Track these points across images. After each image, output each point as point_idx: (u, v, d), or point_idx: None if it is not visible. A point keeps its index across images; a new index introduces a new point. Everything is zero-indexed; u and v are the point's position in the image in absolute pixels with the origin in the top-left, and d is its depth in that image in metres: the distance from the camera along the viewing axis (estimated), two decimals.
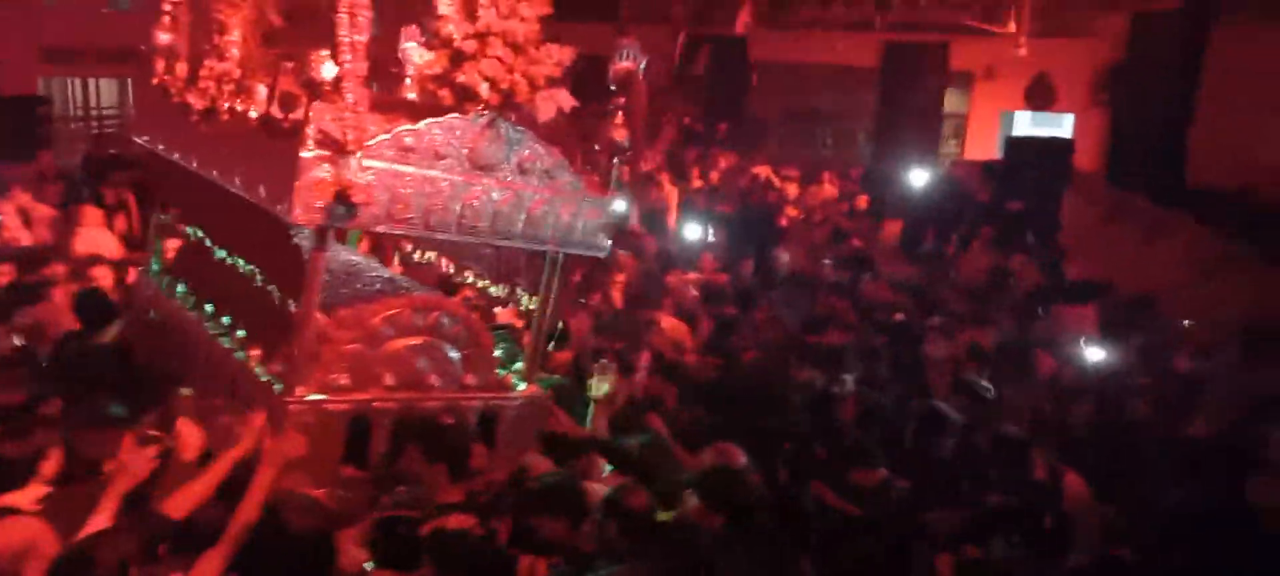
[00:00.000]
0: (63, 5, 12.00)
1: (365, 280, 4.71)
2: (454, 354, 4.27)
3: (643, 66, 4.74)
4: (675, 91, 16.76)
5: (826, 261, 9.45)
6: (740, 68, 17.43)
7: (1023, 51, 14.25)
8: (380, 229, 4.06)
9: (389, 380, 4.09)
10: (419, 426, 3.94)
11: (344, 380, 3.99)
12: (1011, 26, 14.94)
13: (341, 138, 3.63)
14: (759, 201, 11.88)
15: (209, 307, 4.68)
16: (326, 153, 3.63)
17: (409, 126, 3.85)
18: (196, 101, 4.48)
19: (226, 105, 4.28)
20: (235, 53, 4.50)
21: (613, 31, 12.13)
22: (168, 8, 4.97)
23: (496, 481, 3.91)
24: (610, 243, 4.44)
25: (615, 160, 4.42)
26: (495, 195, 4.04)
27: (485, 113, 3.93)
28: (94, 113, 13.54)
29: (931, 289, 8.60)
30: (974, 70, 16.15)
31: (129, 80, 13.46)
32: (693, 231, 9.95)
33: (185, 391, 4.23)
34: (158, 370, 4.66)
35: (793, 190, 13.37)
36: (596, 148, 4.56)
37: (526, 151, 4.09)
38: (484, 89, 3.82)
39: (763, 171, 13.98)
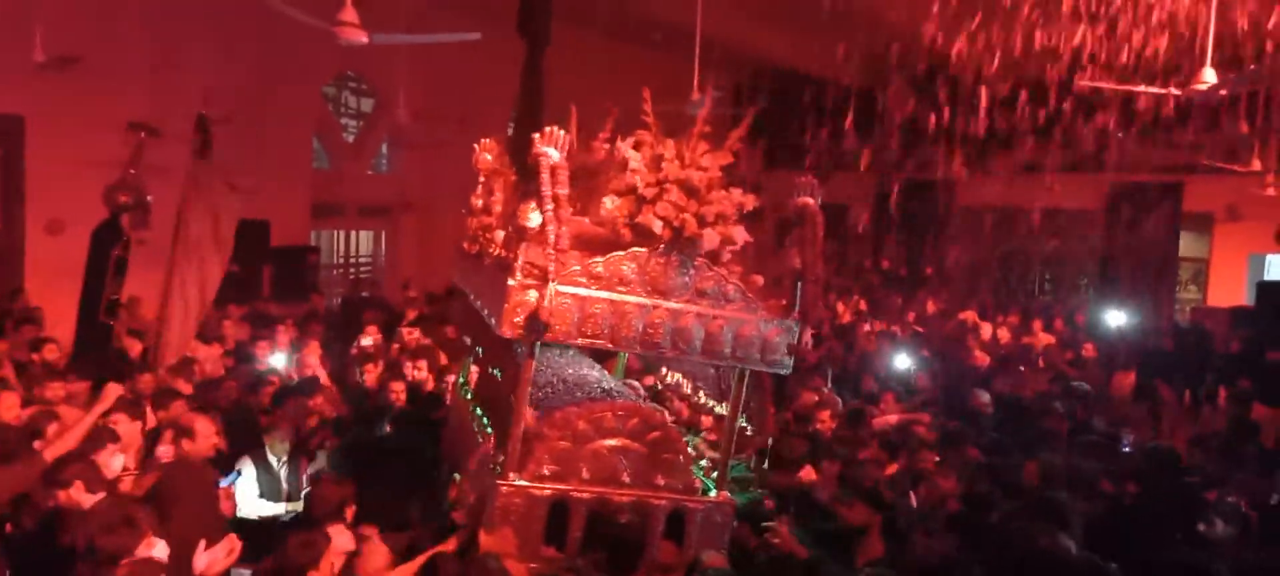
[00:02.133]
0: (332, 169, 13.99)
1: (588, 389, 5.32)
2: (650, 456, 4.73)
3: (817, 201, 4.98)
4: (878, 237, 16.77)
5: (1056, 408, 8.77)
6: (947, 212, 17.17)
7: (1271, 192, 13.13)
8: (575, 343, 4.50)
9: (586, 474, 4.62)
10: (603, 517, 4.32)
11: (548, 470, 4.59)
12: (1255, 164, 13.81)
13: (545, 269, 4.21)
14: (960, 344, 11.44)
15: (478, 410, 5.70)
16: (531, 281, 4.27)
17: (599, 259, 4.39)
18: (469, 247, 6.01)
19: (491, 250, 5.40)
20: (496, 209, 5.69)
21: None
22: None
23: (669, 571, 4.20)
24: (791, 360, 4.64)
25: (797, 285, 4.66)
26: (673, 315, 4.41)
27: (664, 245, 4.38)
28: (352, 260, 15.50)
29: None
30: (1213, 211, 14.98)
31: (382, 232, 15.42)
32: (891, 370, 9.77)
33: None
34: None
35: (1005, 335, 12.77)
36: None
37: (703, 277, 4.46)
38: (657, 227, 4.30)
39: (970, 316, 13.51)
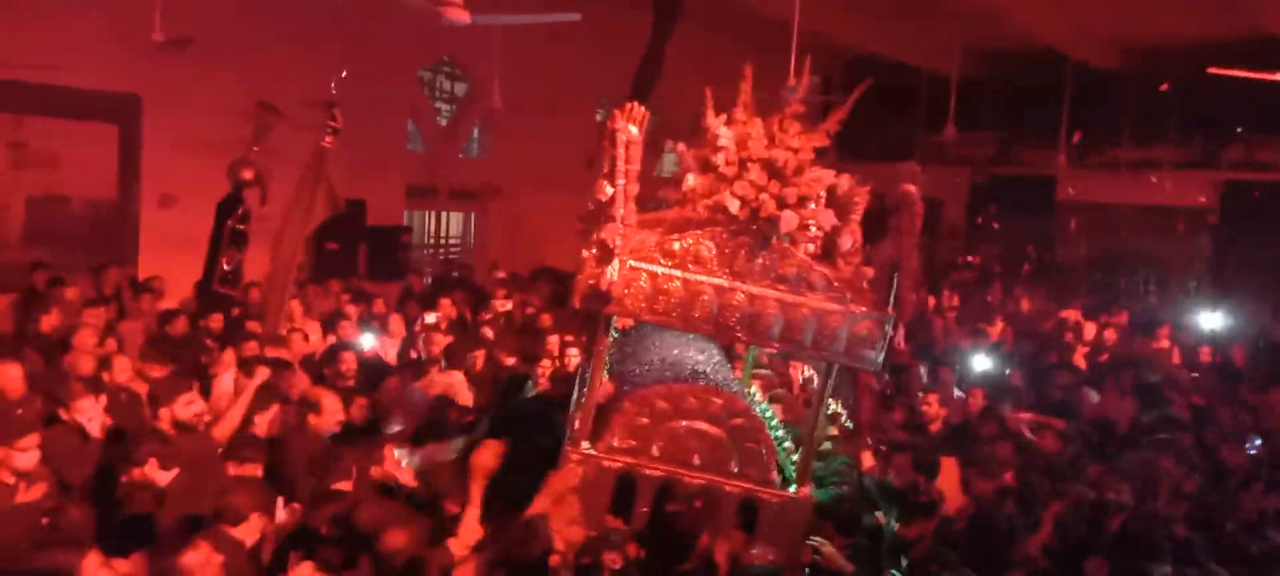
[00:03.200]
0: (426, 151, 14.35)
1: (680, 371, 5.16)
2: (728, 444, 4.66)
3: (917, 188, 4.85)
4: (973, 232, 16.28)
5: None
6: (1046, 208, 16.53)
7: None
8: (645, 320, 4.49)
9: (656, 451, 4.61)
10: (670, 497, 4.28)
11: (619, 444, 4.62)
12: None
13: (611, 244, 4.22)
14: (1060, 344, 10.99)
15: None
16: (602, 255, 4.27)
17: (675, 235, 4.37)
18: None
19: None
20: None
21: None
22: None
23: (717, 560, 4.15)
24: (881, 357, 4.46)
25: (893, 276, 4.54)
26: (751, 299, 4.35)
27: (745, 225, 4.32)
28: (443, 242, 15.88)
29: None
30: None
31: (473, 214, 15.75)
32: (983, 367, 9.43)
33: None
34: None
35: (1110, 336, 12.18)
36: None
37: (784, 262, 4.36)
38: (734, 206, 4.24)
39: (1071, 315, 12.97)
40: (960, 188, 16.43)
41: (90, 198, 10.71)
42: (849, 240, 4.45)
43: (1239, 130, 14.92)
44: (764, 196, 4.30)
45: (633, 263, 4.28)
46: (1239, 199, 14.82)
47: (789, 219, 4.27)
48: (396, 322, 9.37)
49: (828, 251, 4.46)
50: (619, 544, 4.09)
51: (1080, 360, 10.38)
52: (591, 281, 4.35)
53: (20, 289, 8.59)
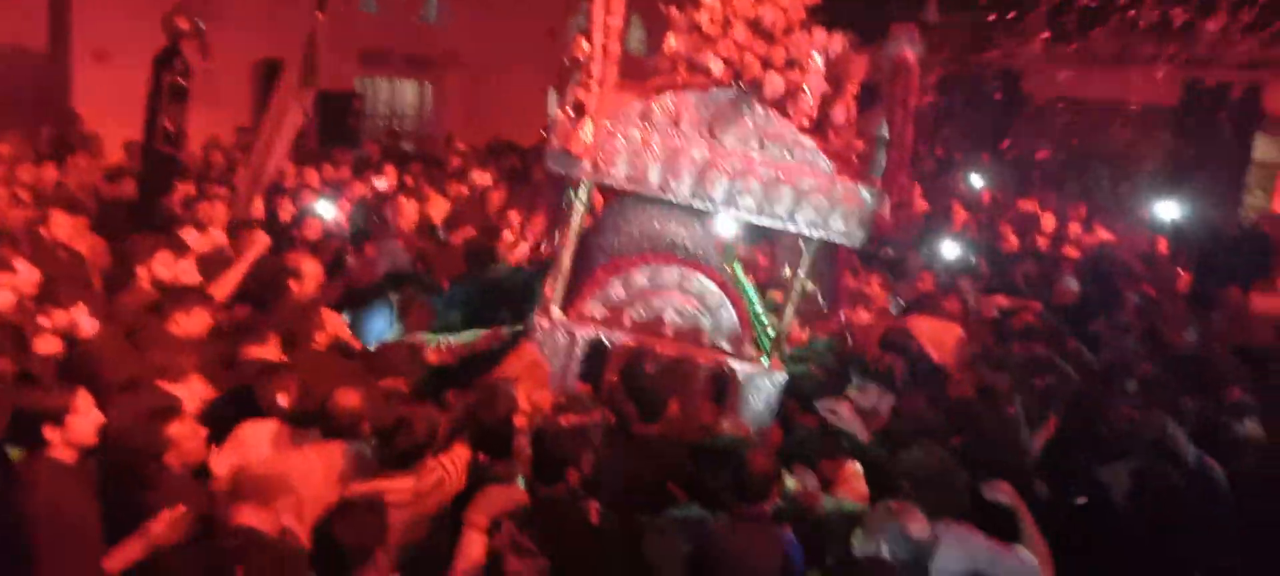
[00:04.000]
0: (380, 14, 13.64)
1: (659, 243, 4.96)
2: (703, 317, 4.60)
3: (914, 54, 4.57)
4: (935, 123, 16.17)
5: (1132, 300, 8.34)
6: (1010, 100, 16.41)
7: None
8: (621, 185, 4.30)
9: (628, 321, 4.56)
10: (628, 363, 4.20)
11: (590, 312, 4.55)
12: None
13: (586, 104, 3.99)
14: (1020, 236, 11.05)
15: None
16: (576, 116, 4.03)
17: (653, 97, 4.14)
18: None
19: None
20: None
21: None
22: None
23: (683, 429, 4.12)
24: (863, 233, 4.34)
25: (882, 149, 4.34)
26: (731, 165, 4.16)
27: (729, 87, 4.11)
28: (397, 112, 15.27)
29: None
30: None
31: (428, 85, 15.17)
32: (938, 255, 9.42)
33: None
34: None
35: (1074, 229, 12.27)
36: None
37: (770, 128, 4.17)
38: (716, 67, 4.01)
39: (1030, 206, 13.05)
40: (930, 74, 16.21)
41: (18, 51, 10.04)
42: (842, 111, 4.26)
43: (1203, 25, 14.81)
44: (748, 57, 4.08)
45: (608, 124, 4.06)
46: (1199, 96, 14.79)
47: (774, 82, 4.06)
48: (354, 191, 9.05)
49: (819, 123, 4.28)
50: (586, 408, 4.01)
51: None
52: (565, 143, 4.14)
53: None
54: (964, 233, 10.71)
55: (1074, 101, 15.82)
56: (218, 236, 6.28)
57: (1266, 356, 6.65)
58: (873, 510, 3.25)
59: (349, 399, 3.62)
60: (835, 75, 4.24)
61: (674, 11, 4.50)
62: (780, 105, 4.15)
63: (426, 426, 3.52)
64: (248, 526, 2.92)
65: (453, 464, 3.57)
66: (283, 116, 7.75)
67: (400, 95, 15.15)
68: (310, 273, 5.45)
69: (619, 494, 3.54)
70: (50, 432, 3.15)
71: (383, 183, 9.52)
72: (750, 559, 3.31)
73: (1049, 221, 11.91)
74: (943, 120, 16.43)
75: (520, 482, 3.58)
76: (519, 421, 3.96)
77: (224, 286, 5.26)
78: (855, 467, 4.05)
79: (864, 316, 6.35)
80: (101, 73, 10.05)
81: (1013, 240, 10.82)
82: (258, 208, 7.59)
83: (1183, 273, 10.69)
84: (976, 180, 14.35)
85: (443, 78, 14.74)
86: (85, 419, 3.23)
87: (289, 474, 3.16)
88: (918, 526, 3.14)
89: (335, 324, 4.88)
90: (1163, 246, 11.19)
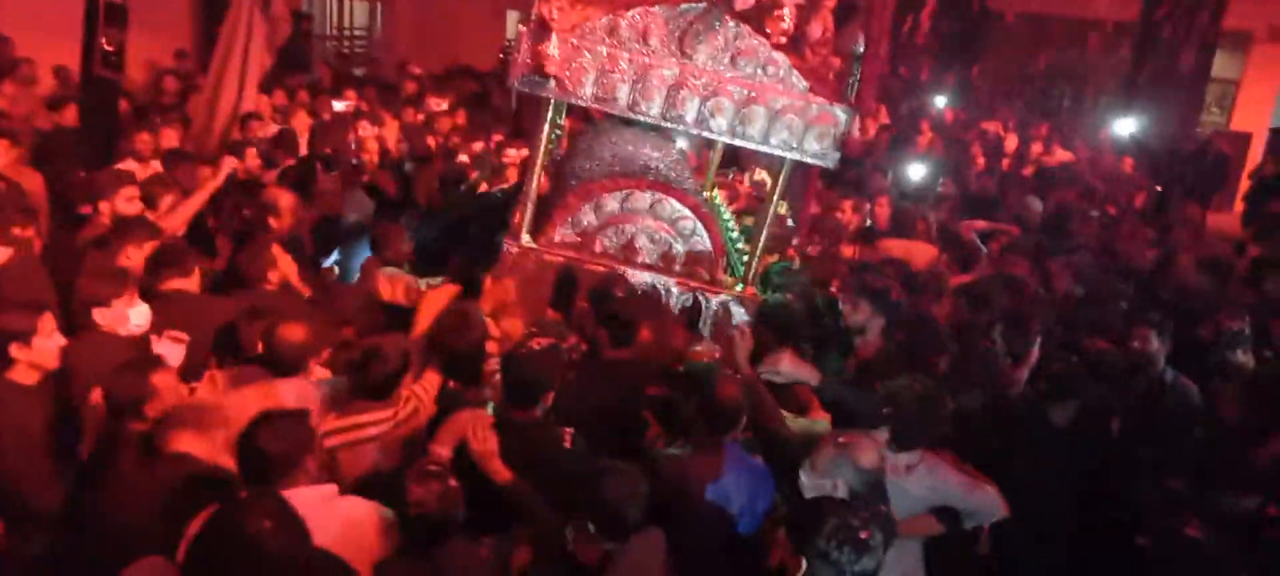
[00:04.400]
0: None
1: (630, 167, 4.76)
2: (676, 242, 4.50)
3: None
4: (898, 43, 16.05)
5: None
6: (970, 19, 16.29)
7: None
8: (588, 105, 4.14)
9: (599, 247, 4.46)
10: (599, 289, 4.09)
11: (560, 238, 4.45)
12: None
13: (549, 17, 3.80)
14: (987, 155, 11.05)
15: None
16: (541, 31, 3.85)
17: (621, 12, 3.96)
18: None
19: None
20: None
21: None
22: None
23: (656, 354, 4.05)
24: (839, 155, 4.21)
25: (855, 66, 4.21)
26: (701, 84, 4.01)
27: (699, 2, 3.93)
28: (346, 32, 14.70)
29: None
30: (1253, 29, 14.22)
31: (379, 4, 14.60)
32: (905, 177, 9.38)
33: None
34: None
35: (1036, 149, 12.29)
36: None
37: (742, 45, 4.01)
38: None
39: (992, 127, 13.05)
40: None
41: None
42: (819, 28, 4.11)
43: None
44: None
45: (573, 40, 3.88)
46: (1157, 13, 14.78)
47: None
48: (302, 118, 8.71)
49: (795, 40, 4.11)
50: (558, 333, 3.93)
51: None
52: (530, 60, 3.95)
53: None
54: (929, 153, 10.67)
55: (1036, 18, 15.76)
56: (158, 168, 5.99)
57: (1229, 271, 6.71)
58: (820, 445, 3.14)
59: (294, 333, 3.52)
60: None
61: None
62: (755, 21, 3.98)
63: (398, 355, 3.46)
64: (183, 452, 2.91)
65: (425, 391, 3.53)
66: (237, 39, 7.40)
67: (350, 16, 14.56)
68: (286, 206, 5.25)
69: (590, 419, 3.49)
70: (16, 351, 3.24)
71: (341, 105, 9.21)
72: (714, 490, 3.25)
73: (1012, 142, 11.92)
74: (908, 39, 16.30)
75: (490, 409, 3.52)
76: (490, 348, 3.90)
77: (175, 219, 5.04)
78: None
79: (835, 239, 6.29)
80: None
81: (981, 161, 10.81)
82: (215, 140, 7.29)
83: (1142, 189, 10.82)
84: (940, 100, 14.29)
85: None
86: (48, 342, 3.30)
87: (226, 407, 3.11)
88: (869, 457, 3.05)
89: (287, 265, 4.70)
90: (1127, 165, 11.25)
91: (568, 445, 3.28)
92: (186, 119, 7.58)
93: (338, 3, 14.28)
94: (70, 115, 7.25)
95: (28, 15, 8.93)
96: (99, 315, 3.69)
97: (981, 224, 7.20)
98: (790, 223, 5.86)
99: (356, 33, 14.77)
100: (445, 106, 9.82)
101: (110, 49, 7.17)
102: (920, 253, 6.13)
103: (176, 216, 5.08)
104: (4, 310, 3.34)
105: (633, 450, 3.50)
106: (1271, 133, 12.58)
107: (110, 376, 3.11)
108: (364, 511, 2.81)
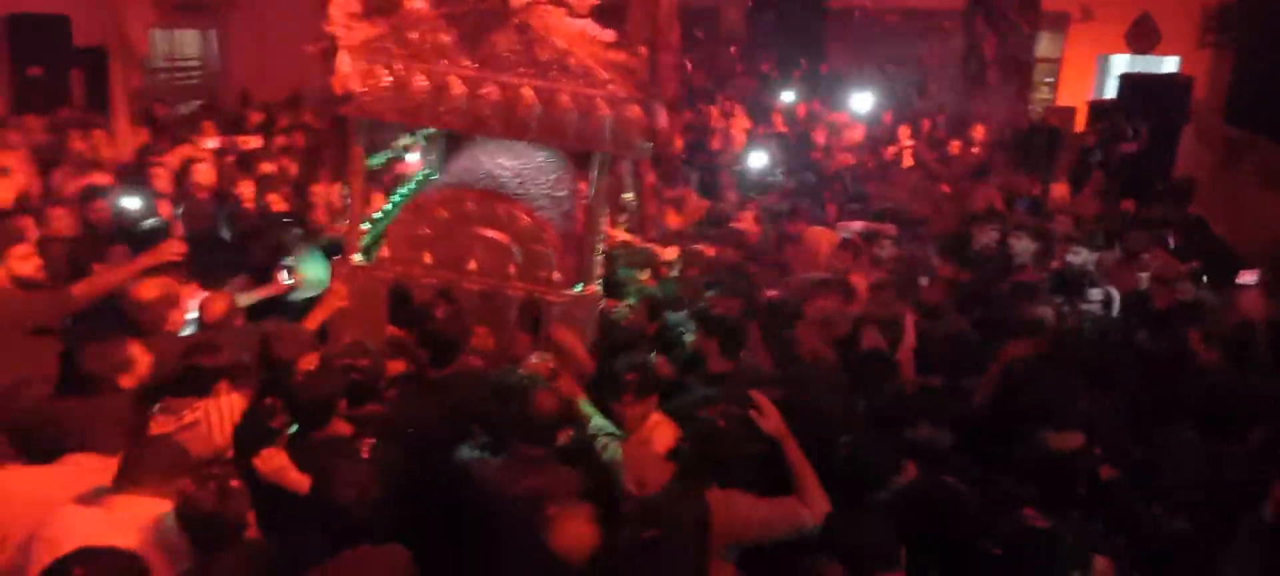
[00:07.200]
0: None
1: (471, 178, 4.78)
2: (513, 248, 4.45)
3: None
4: (752, 41, 16.41)
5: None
6: (815, 15, 16.80)
7: None
8: (389, 119, 4.07)
9: (429, 259, 4.44)
10: (417, 309, 4.08)
11: (390, 254, 4.47)
12: None
13: (336, 36, 3.70)
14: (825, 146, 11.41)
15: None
16: (328, 52, 3.75)
17: (412, 22, 3.87)
18: None
19: None
20: None
21: None
22: None
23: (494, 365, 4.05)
24: (650, 145, 4.25)
25: (649, 56, 4.25)
26: (502, 89, 3.97)
27: (498, 8, 3.89)
28: (178, 63, 13.86)
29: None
30: (1070, 11, 15.18)
31: (212, 32, 13.87)
32: (757, 166, 9.58)
33: None
34: None
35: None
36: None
37: (538, 47, 3.98)
38: None
39: (840, 118, 13.48)
40: None
41: None
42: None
43: None
44: None
45: (366, 60, 3.79)
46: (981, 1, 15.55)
47: None
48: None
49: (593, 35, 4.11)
50: (386, 354, 3.84)
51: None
52: (323, 82, 3.83)
53: None
54: (768, 143, 10.92)
55: (870, 12, 16.38)
56: None
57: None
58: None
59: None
60: None
61: None
62: (548, 23, 3.95)
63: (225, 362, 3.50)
64: None
65: (219, 411, 3.41)
66: None
67: (179, 46, 13.77)
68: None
69: (411, 438, 3.41)
70: None
71: (211, 143, 8.90)
72: (524, 502, 3.14)
73: (857, 132, 12.35)
74: (756, 37, 16.69)
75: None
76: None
77: None
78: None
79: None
80: None
81: (844, 158, 11.11)
82: None
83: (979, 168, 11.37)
84: (788, 95, 14.66)
85: (226, 22, 13.53)
86: None
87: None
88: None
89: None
90: (955, 147, 11.80)
91: (366, 455, 3.15)
92: None
93: (166, 34, 13.41)
94: None
95: None
96: None
97: (861, 224, 7.37)
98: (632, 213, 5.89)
99: (189, 63, 13.97)
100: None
101: None
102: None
103: None
104: None
105: (456, 465, 3.41)
106: (1090, 105, 13.46)
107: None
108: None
